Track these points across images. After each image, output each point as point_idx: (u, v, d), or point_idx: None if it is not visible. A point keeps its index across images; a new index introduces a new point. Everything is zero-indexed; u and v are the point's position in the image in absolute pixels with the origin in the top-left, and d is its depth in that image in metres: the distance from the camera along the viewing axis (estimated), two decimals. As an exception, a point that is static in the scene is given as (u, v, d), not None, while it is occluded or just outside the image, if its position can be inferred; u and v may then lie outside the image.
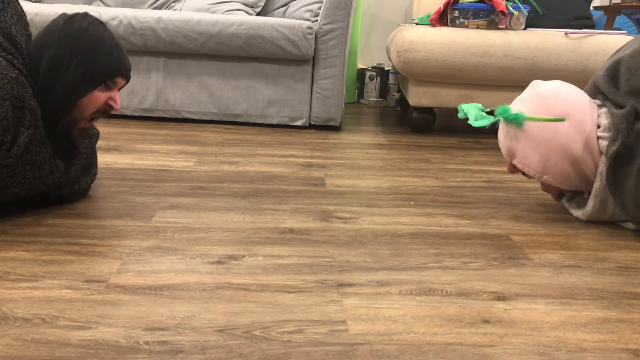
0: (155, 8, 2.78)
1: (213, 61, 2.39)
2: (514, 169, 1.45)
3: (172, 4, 2.79)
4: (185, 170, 1.69)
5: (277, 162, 1.84)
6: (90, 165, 1.36)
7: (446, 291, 0.99)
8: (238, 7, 2.67)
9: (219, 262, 1.06)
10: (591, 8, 3.02)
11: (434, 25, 2.46)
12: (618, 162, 1.28)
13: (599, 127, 1.34)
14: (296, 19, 2.62)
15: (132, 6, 2.79)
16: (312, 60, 2.41)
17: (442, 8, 2.45)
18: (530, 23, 2.60)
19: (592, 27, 2.65)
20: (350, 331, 0.84)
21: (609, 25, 2.93)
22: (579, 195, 1.46)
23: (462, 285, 1.01)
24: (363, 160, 1.92)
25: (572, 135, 1.33)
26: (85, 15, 1.26)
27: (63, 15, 1.26)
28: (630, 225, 1.35)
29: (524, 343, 0.83)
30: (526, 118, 1.36)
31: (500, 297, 0.97)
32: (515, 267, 1.10)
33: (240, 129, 2.38)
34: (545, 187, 1.46)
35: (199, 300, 0.91)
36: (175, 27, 2.30)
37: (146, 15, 2.32)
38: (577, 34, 2.32)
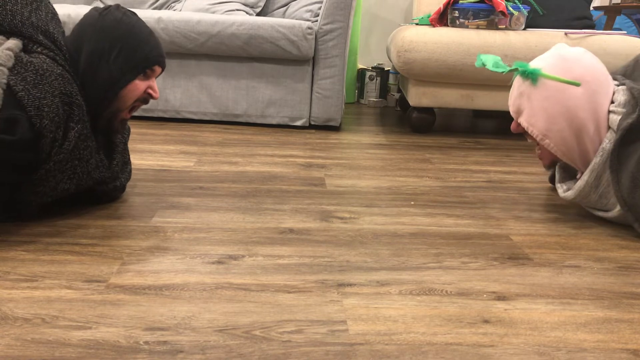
0: (155, 8, 2.78)
1: (213, 61, 2.39)
2: (517, 128, 1.45)
3: (172, 4, 2.79)
4: (185, 170, 1.69)
5: (277, 162, 1.84)
6: (125, 161, 1.38)
7: (446, 291, 0.99)
8: (238, 7, 2.67)
9: (219, 262, 1.06)
10: (591, 8, 3.02)
11: (434, 26, 2.46)
12: (628, 137, 1.27)
13: (612, 102, 1.34)
14: (296, 19, 2.62)
15: (132, 6, 2.79)
16: (312, 60, 2.41)
17: (442, 8, 2.45)
18: (530, 23, 2.60)
19: (592, 27, 2.65)
20: (350, 331, 0.84)
21: (609, 26, 2.93)
22: (571, 180, 1.46)
23: (462, 285, 1.01)
24: (363, 160, 1.92)
25: (584, 103, 1.33)
26: (118, 6, 1.28)
27: (96, 8, 1.28)
28: (609, 215, 1.35)
29: (524, 343, 0.83)
30: (543, 75, 1.36)
31: (500, 297, 0.97)
32: (515, 267, 1.10)
33: (240, 129, 2.38)
34: (542, 152, 1.47)
35: (199, 300, 0.91)
36: (175, 27, 2.30)
37: (146, 15, 2.32)
38: (577, 34, 2.32)
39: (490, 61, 1.42)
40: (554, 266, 1.12)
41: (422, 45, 2.29)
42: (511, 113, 1.45)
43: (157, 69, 1.30)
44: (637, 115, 1.26)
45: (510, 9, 2.36)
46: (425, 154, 2.08)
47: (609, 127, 1.33)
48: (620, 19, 3.25)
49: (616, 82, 1.39)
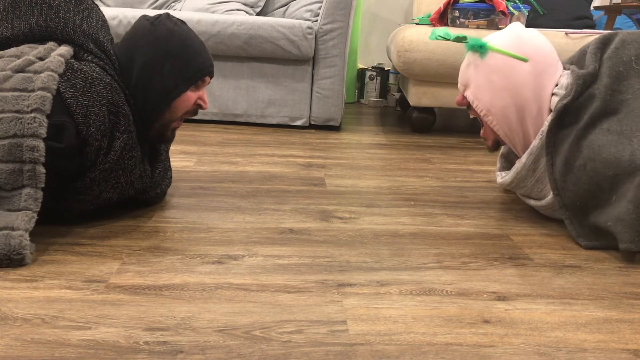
0: (155, 8, 2.78)
1: (213, 61, 2.39)
2: (462, 100, 1.45)
3: (172, 4, 2.79)
4: (185, 170, 1.69)
5: (277, 162, 1.84)
6: (166, 168, 1.39)
7: (446, 291, 0.99)
8: (238, 7, 2.67)
9: (219, 262, 1.06)
10: (591, 8, 3.02)
11: (434, 25, 2.46)
12: (563, 120, 1.27)
13: (557, 86, 1.34)
14: (296, 18, 2.62)
15: (132, 6, 2.79)
16: (312, 60, 2.40)
17: (442, 8, 2.45)
18: (531, 23, 2.60)
19: (593, 27, 2.65)
20: (351, 331, 0.84)
21: (609, 25, 2.93)
22: (510, 169, 1.46)
23: (462, 285, 1.01)
24: (363, 160, 1.92)
25: (529, 81, 1.33)
26: (169, 15, 1.27)
27: (146, 17, 1.27)
28: (541, 203, 1.35)
29: (524, 343, 0.83)
30: (491, 48, 1.36)
31: (501, 297, 0.97)
32: (516, 267, 1.10)
33: (240, 129, 2.38)
34: (485, 131, 1.45)
35: (198, 301, 0.91)
36: (175, 27, 2.30)
37: (146, 15, 2.32)
38: (577, 34, 2.32)
39: (436, 31, 1.40)
40: (554, 266, 1.12)
41: (422, 45, 2.29)
42: (458, 85, 1.44)
43: (208, 79, 1.31)
44: (571, 97, 1.25)
45: (511, 8, 2.36)
46: (425, 153, 2.08)
47: (550, 110, 1.33)
48: (620, 19, 3.25)
49: (564, 68, 1.39)
